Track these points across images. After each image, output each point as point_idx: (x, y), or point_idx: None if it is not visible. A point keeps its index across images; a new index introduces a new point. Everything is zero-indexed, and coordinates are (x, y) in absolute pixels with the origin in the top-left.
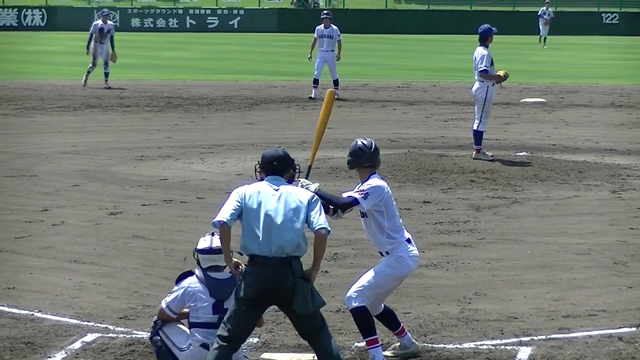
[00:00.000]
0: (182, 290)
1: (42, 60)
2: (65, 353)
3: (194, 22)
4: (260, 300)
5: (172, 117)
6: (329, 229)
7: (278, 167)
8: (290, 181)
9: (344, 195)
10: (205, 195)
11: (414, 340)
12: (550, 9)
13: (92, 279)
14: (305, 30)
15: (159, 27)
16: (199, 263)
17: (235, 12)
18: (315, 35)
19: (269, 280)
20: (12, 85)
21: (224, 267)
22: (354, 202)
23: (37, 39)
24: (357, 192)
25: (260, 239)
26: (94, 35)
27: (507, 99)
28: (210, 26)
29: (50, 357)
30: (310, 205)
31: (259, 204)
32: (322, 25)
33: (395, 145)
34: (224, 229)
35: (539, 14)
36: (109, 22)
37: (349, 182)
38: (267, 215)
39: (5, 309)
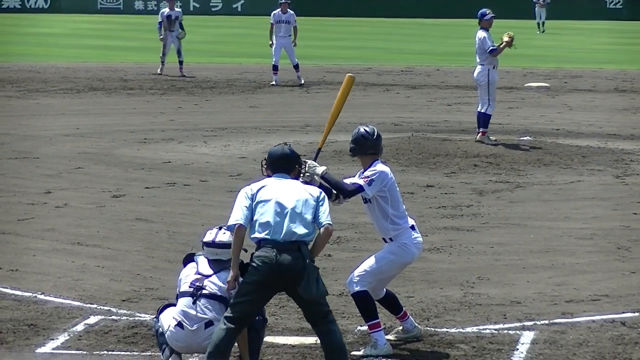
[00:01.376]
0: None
1: (45, 43)
2: (68, 335)
3: (198, 5)
4: (270, 283)
5: (176, 100)
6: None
7: (285, 166)
8: (297, 177)
9: (347, 181)
10: (208, 178)
11: (416, 324)
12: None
13: (94, 261)
14: (309, 13)
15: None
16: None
17: None
18: (272, 21)
19: (280, 263)
20: (15, 67)
21: (227, 261)
22: (359, 189)
23: (41, 21)
24: (361, 178)
25: (272, 224)
26: (162, 23)
27: (510, 84)
28: (214, 9)
29: (53, 339)
30: (318, 200)
31: (269, 195)
32: (279, 10)
33: (398, 129)
34: (239, 231)
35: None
36: (176, 8)
37: (352, 166)
38: (277, 203)
39: (8, 291)
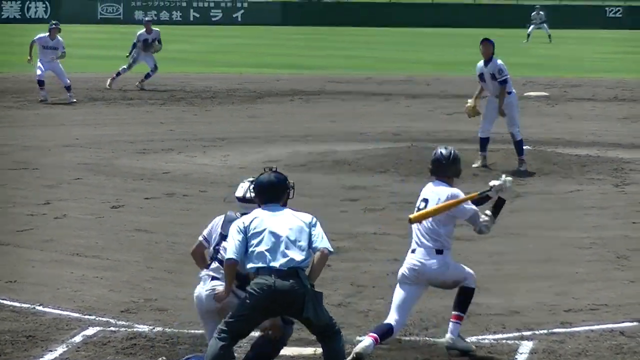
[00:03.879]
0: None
1: None
2: (67, 346)
3: (198, 15)
4: (269, 308)
5: (175, 110)
6: (332, 250)
7: (274, 195)
8: (285, 204)
9: (468, 207)
10: (208, 189)
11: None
12: (541, 12)
13: (93, 272)
14: (310, 23)
15: (163, 20)
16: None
17: (239, 4)
18: (37, 43)
19: (278, 289)
20: (15, 78)
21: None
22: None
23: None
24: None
25: (268, 253)
26: (137, 44)
27: None
28: (213, 19)
29: (51, 351)
30: (311, 226)
31: (263, 226)
32: (48, 35)
33: (398, 139)
34: (231, 265)
35: (531, 18)
36: (153, 29)
37: (351, 176)
38: (271, 233)
39: (7, 302)
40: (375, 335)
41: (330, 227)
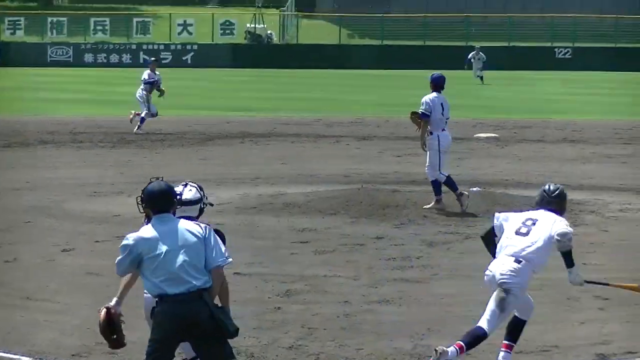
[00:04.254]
0: None
1: None
2: None
3: (148, 58)
4: (176, 337)
5: (126, 153)
6: (230, 260)
7: (166, 203)
8: (191, 218)
9: (560, 231)
10: None
11: None
12: (481, 53)
13: (45, 315)
14: (259, 65)
15: (113, 63)
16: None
17: (188, 47)
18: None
19: (184, 315)
20: None
21: (195, 218)
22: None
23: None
24: (565, 224)
25: (167, 279)
26: (150, 85)
27: (460, 134)
28: (163, 61)
29: None
30: (205, 240)
31: (157, 250)
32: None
33: (348, 181)
34: (122, 280)
35: (469, 57)
36: (157, 72)
37: (301, 218)
38: (167, 258)
39: None
40: (461, 343)
41: (281, 269)
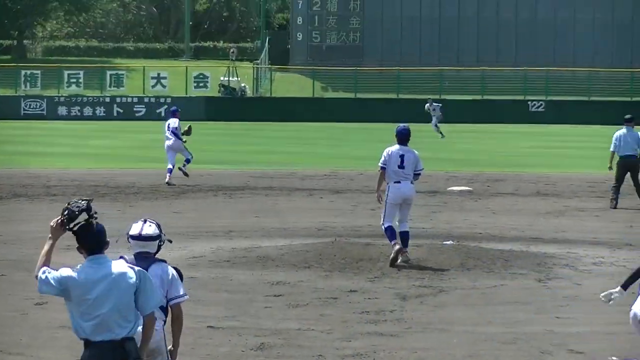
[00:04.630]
0: None
1: None
2: None
3: (121, 110)
4: None
5: (99, 206)
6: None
7: (100, 244)
8: (149, 253)
9: None
10: None
11: None
12: (435, 103)
13: None
14: (232, 118)
15: (86, 116)
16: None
17: (162, 100)
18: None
19: None
20: None
21: (155, 254)
22: None
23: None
24: None
25: (93, 323)
26: (175, 135)
27: (433, 187)
28: (137, 114)
29: None
30: (138, 286)
31: (86, 295)
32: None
33: (322, 234)
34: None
35: (426, 110)
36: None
37: (275, 272)
38: (97, 300)
39: None
40: None
41: (254, 322)
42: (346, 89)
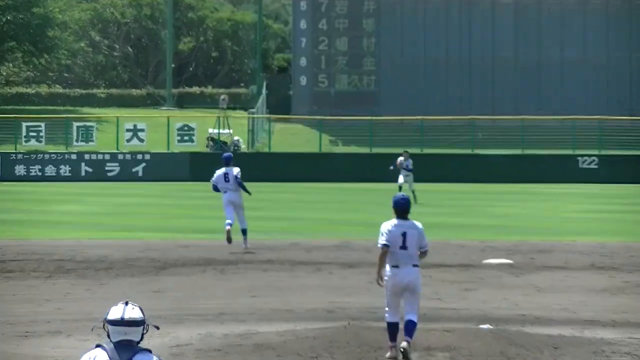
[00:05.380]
0: None
1: None
2: None
3: (90, 170)
4: None
5: (64, 285)
6: None
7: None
8: (131, 342)
9: None
10: None
11: None
12: (409, 160)
13: None
14: None
15: (48, 176)
16: (108, 336)
17: (139, 157)
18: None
19: None
20: None
21: (138, 342)
22: None
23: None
24: None
25: None
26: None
27: (466, 260)
28: (109, 174)
29: None
30: None
31: None
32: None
33: (332, 317)
34: None
35: (397, 164)
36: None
37: None
38: None
39: None
40: None
41: None
42: (359, 142)
